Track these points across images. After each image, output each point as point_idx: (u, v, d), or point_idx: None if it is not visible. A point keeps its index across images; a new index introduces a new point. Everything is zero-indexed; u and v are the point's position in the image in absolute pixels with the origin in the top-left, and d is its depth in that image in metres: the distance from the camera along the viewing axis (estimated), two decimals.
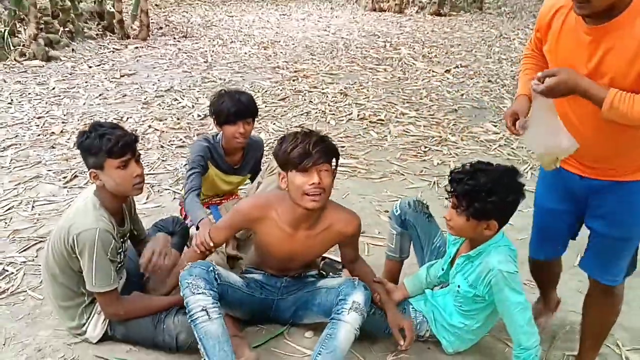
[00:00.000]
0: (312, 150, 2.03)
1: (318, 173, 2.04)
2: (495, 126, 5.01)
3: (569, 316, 2.48)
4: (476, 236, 2.00)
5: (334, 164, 2.14)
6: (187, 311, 2.01)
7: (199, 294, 1.99)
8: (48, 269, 2.21)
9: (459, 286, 2.06)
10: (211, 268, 2.10)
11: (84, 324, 2.24)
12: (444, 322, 2.17)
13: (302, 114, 5.17)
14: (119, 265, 2.26)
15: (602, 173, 1.82)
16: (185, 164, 3.93)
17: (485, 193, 1.88)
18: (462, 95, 6.03)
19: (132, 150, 2.11)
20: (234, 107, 2.67)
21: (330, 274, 2.57)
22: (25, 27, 7.09)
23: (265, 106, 5.29)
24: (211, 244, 2.27)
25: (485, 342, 2.29)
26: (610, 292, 1.98)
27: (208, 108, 2.92)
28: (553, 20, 1.76)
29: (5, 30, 6.81)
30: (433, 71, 6.98)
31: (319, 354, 1.98)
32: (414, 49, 8.29)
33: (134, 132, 2.19)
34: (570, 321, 2.45)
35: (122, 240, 2.27)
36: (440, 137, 4.70)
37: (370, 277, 2.29)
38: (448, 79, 6.71)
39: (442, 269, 2.21)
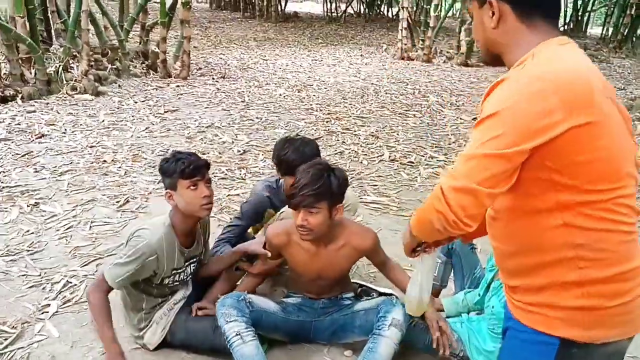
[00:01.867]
0: (299, 193, 2.18)
1: (304, 214, 2.20)
2: None
3: None
4: None
5: (324, 205, 2.20)
6: (224, 338, 2.24)
7: (232, 321, 2.24)
8: None
9: (492, 307, 2.23)
10: (242, 297, 2.35)
11: (142, 329, 2.44)
12: (478, 345, 2.33)
13: (335, 153, 5.43)
14: (176, 283, 2.48)
15: None
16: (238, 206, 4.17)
17: None
18: None
19: (202, 173, 2.34)
20: (297, 161, 2.52)
21: (365, 297, 2.75)
22: (78, 64, 7.62)
23: None
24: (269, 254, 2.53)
25: None
26: None
27: (272, 153, 2.82)
28: None
29: (59, 65, 7.32)
30: (461, 118, 7.21)
31: None
32: (442, 96, 8.57)
33: (206, 159, 2.41)
34: None
35: (189, 261, 2.49)
36: None
37: (406, 284, 2.43)
38: None
39: (479, 295, 2.38)
